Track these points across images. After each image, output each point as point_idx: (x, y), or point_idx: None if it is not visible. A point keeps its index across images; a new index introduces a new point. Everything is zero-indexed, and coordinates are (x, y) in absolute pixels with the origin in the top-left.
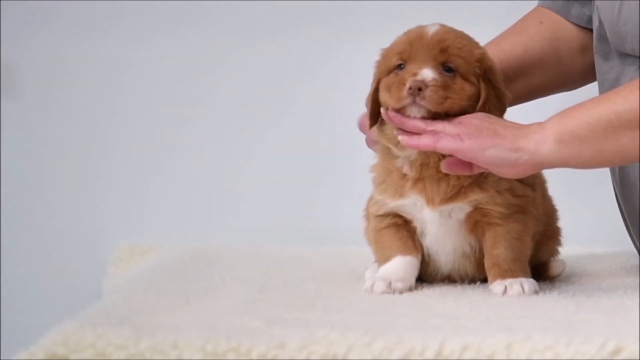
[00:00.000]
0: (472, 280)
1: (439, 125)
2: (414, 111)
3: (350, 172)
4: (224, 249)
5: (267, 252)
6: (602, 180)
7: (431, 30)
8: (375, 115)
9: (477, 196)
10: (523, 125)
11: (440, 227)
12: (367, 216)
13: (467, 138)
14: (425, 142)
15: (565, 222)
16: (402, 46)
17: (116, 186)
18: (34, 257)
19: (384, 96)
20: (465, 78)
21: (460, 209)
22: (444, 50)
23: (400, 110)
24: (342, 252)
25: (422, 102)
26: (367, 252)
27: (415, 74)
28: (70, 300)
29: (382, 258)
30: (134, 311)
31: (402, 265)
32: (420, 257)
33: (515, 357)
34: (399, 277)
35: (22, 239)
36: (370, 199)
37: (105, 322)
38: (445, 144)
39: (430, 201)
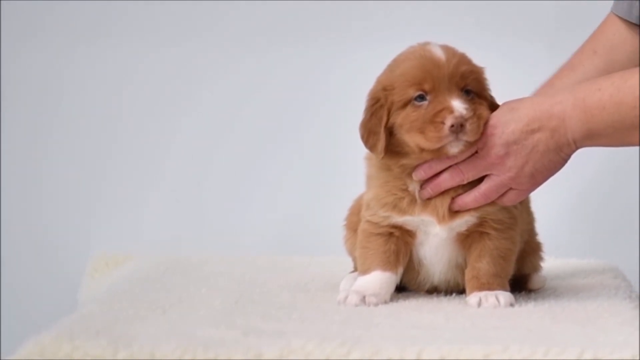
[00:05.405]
0: (460, 292)
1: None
2: (453, 146)
3: (331, 181)
4: (199, 258)
5: (243, 262)
6: (575, 189)
7: (440, 54)
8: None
9: (485, 209)
10: None
11: (442, 240)
12: (348, 225)
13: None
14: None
15: (540, 233)
16: (418, 76)
17: (91, 195)
18: (9, 267)
19: (415, 138)
20: (480, 96)
21: (467, 222)
22: (463, 76)
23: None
24: (317, 262)
25: (464, 137)
26: (342, 262)
27: (450, 110)
28: (46, 311)
29: (363, 267)
30: (110, 322)
31: (380, 281)
32: (400, 274)
33: None
34: (373, 292)
35: None
36: (352, 208)
37: (82, 332)
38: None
39: (441, 219)
